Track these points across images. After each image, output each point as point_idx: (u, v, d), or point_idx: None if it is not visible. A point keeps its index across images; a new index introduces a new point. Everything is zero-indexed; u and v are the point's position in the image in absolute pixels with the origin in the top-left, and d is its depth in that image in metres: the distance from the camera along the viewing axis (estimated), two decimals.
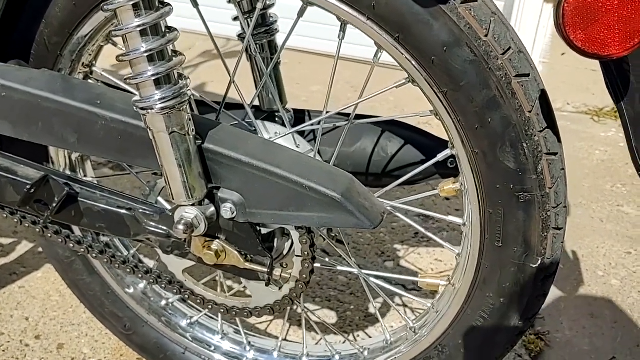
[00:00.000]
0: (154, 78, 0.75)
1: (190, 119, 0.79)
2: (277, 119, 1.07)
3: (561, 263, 1.75)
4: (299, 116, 1.14)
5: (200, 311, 1.19)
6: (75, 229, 1.09)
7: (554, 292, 1.63)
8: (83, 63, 0.99)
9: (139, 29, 0.73)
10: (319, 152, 1.14)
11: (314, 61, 2.85)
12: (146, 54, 0.74)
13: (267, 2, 1.01)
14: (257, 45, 1.04)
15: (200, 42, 3.12)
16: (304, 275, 0.91)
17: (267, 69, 1.00)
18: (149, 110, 0.76)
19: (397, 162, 1.14)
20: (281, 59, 1.06)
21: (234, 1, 0.93)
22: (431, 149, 1.09)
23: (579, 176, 2.22)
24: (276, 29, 1.04)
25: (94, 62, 1.00)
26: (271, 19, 1.03)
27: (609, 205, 2.05)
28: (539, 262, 0.85)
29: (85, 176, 1.11)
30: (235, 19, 0.98)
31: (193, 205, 0.84)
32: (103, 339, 1.37)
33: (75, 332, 1.39)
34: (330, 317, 1.48)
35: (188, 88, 0.78)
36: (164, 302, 1.19)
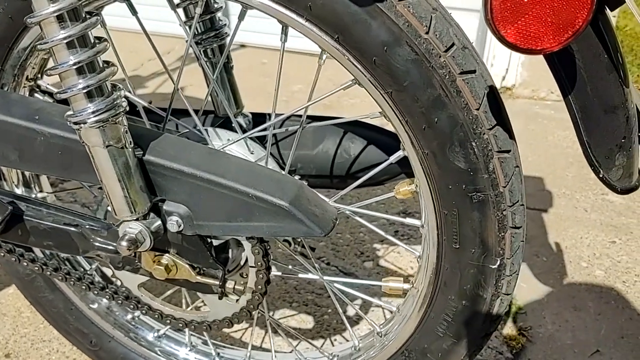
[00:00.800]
0: (85, 91, 0.72)
1: (127, 131, 0.76)
2: (233, 125, 1.04)
3: (544, 255, 1.74)
4: (258, 120, 1.11)
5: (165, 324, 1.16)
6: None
7: (536, 286, 1.60)
8: (27, 77, 0.96)
9: (65, 41, 0.70)
10: (281, 157, 1.12)
11: (295, 60, 2.82)
12: (75, 67, 0.71)
13: (215, 6, 0.98)
14: (208, 50, 1.01)
15: (179, 45, 3.09)
16: (260, 287, 0.88)
17: (213, 75, 0.97)
18: (83, 125, 0.74)
19: (360, 163, 1.12)
20: (232, 63, 1.03)
21: (178, 6, 0.90)
22: (395, 148, 1.06)
23: (562, 165, 2.20)
24: (226, 33, 1.01)
25: (39, 76, 0.97)
26: (220, 23, 1.00)
27: (593, 194, 2.03)
28: (498, 262, 0.82)
29: (41, 191, 1.09)
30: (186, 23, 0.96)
31: (137, 219, 0.81)
32: (74, 354, 1.34)
33: (46, 348, 1.37)
34: (307, 321, 1.46)
35: (122, 99, 0.75)
36: (129, 316, 1.17)
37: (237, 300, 0.91)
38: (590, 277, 1.64)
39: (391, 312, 1.00)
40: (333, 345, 1.35)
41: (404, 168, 1.10)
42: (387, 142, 1.11)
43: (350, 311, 1.46)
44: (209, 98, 1.00)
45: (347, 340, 1.37)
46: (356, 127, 1.13)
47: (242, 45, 3.30)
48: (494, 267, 0.82)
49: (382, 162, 1.04)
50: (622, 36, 3.35)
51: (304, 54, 2.48)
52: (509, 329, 1.46)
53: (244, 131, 0.96)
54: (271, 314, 1.45)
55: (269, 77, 2.83)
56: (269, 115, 1.14)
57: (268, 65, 3.01)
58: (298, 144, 1.10)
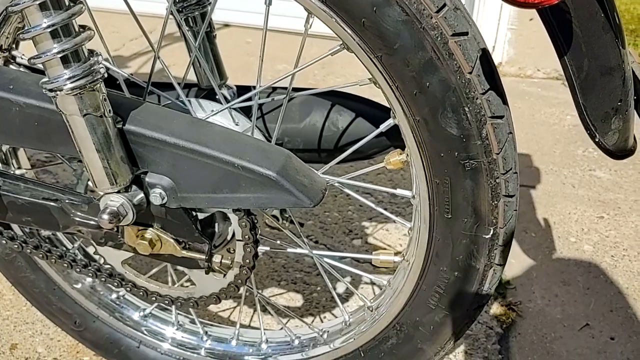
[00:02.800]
0: (60, 56, 0.69)
1: (105, 99, 0.73)
2: (217, 97, 1.01)
3: (532, 231, 1.73)
4: (242, 92, 1.08)
5: (151, 303, 1.13)
6: (12, 224, 1.03)
7: (525, 261, 1.60)
8: (1, 47, 0.92)
9: (37, 2, 0.66)
10: (267, 130, 1.09)
11: (279, 39, 2.78)
12: (49, 30, 0.67)
13: None
14: (190, 19, 0.97)
15: (161, 25, 3.03)
16: (247, 260, 0.86)
17: (195, 43, 0.93)
18: (58, 92, 0.70)
19: (349, 136, 1.09)
20: (215, 32, 1.00)
21: None
22: (384, 120, 1.04)
23: (550, 142, 2.19)
24: (208, 1, 0.97)
25: (14, 46, 0.93)
26: None
27: (580, 170, 2.02)
28: (491, 232, 0.81)
29: (19, 167, 1.05)
30: None
31: (118, 192, 0.78)
32: (58, 336, 1.31)
33: (29, 330, 1.34)
34: (296, 299, 1.44)
35: (100, 65, 0.72)
36: (114, 296, 1.14)
37: (224, 275, 0.88)
38: (578, 252, 1.64)
39: (380, 287, 0.98)
40: (322, 322, 1.34)
41: (392, 141, 1.07)
42: (375, 114, 1.08)
43: (340, 287, 1.45)
44: (192, 69, 0.96)
45: (337, 317, 1.36)
46: (344, 100, 1.10)
47: (226, 25, 3.24)
48: (487, 236, 0.81)
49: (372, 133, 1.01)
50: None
51: (289, 33, 2.44)
52: (498, 304, 1.45)
53: (228, 102, 0.93)
54: (260, 291, 1.43)
55: (254, 56, 2.79)
56: (254, 86, 1.11)
57: (252, 44, 2.96)
58: (285, 117, 1.08)
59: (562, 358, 1.32)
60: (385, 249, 1.57)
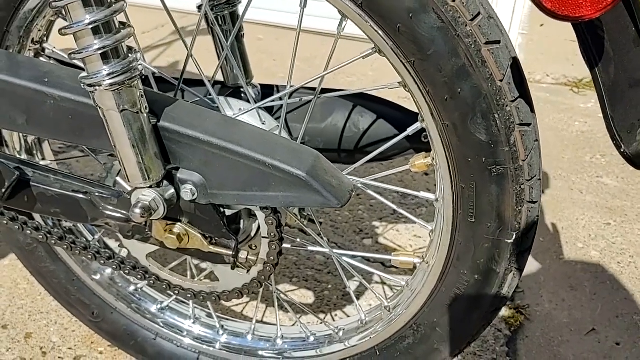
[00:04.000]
0: (100, 52, 0.70)
1: (142, 96, 0.74)
2: (242, 95, 1.03)
3: (541, 236, 1.75)
4: (267, 92, 1.09)
5: (171, 296, 1.15)
6: (35, 214, 1.04)
7: (533, 265, 1.62)
8: (33, 39, 0.93)
9: None
10: (289, 130, 1.10)
11: (291, 37, 2.79)
12: (91, 26, 0.69)
13: None
14: (219, 17, 0.99)
15: (174, 19, 3.04)
16: (272, 258, 0.87)
17: (227, 42, 0.95)
18: (97, 87, 0.71)
19: (369, 138, 1.10)
20: (244, 31, 1.01)
21: None
22: (405, 122, 1.05)
23: (558, 148, 2.21)
24: (238, 0, 0.99)
25: (45, 39, 0.95)
26: None
27: (588, 176, 2.04)
28: (514, 237, 0.82)
29: (43, 159, 1.06)
30: None
31: (150, 187, 0.79)
32: (73, 326, 1.33)
33: (44, 320, 1.35)
34: (307, 297, 1.46)
35: (139, 62, 0.73)
36: (132, 288, 1.15)
37: (247, 271, 0.89)
38: (586, 258, 1.66)
39: (392, 288, 0.99)
40: (334, 320, 1.35)
41: (413, 143, 1.09)
42: (397, 116, 1.09)
43: (353, 286, 1.46)
44: (219, 68, 0.98)
45: (348, 316, 1.37)
46: (366, 101, 1.11)
47: None
48: (509, 241, 0.82)
49: (392, 137, 1.03)
50: None
51: (304, 31, 2.44)
52: (507, 307, 1.47)
53: (255, 102, 0.94)
54: (270, 289, 1.45)
55: (265, 53, 2.80)
56: (277, 87, 1.12)
57: (264, 41, 2.97)
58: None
59: None
60: (404, 249, 1.59)
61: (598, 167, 2.10)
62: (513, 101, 0.74)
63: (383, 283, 1.48)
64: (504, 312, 1.45)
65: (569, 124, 2.38)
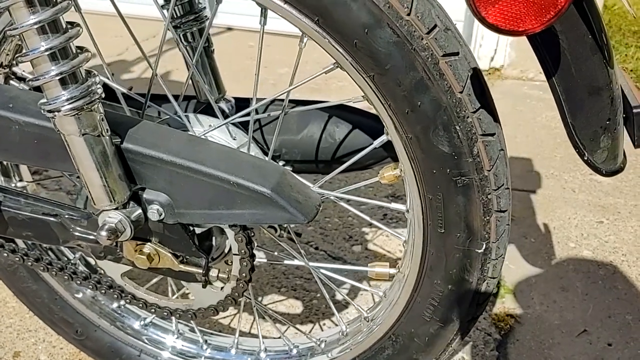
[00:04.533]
0: (58, 78, 0.70)
1: (103, 119, 0.75)
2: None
3: (532, 237, 1.74)
4: (241, 105, 1.09)
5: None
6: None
7: (524, 267, 1.61)
8: (1, 64, 0.93)
9: (35, 26, 0.68)
10: (265, 142, 1.10)
11: (282, 43, 2.79)
12: (47, 53, 0.69)
13: None
14: (188, 34, 0.99)
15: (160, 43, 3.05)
16: (244, 274, 0.87)
17: (192, 60, 0.95)
18: (57, 112, 0.72)
19: (345, 148, 1.10)
20: (213, 47, 1.01)
21: None
22: (380, 132, 1.05)
23: (550, 146, 2.20)
24: (205, 16, 0.99)
25: (14, 63, 0.95)
26: (199, 6, 0.98)
27: (581, 174, 2.03)
28: (484, 246, 0.82)
29: (20, 180, 1.07)
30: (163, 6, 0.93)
31: (117, 209, 0.79)
32: (61, 344, 1.33)
33: (32, 338, 1.36)
34: (295, 306, 1.46)
35: (97, 86, 0.73)
36: (115, 305, 1.16)
37: (221, 288, 0.90)
38: (578, 258, 1.65)
39: (373, 299, 0.99)
40: (322, 330, 1.35)
41: (390, 152, 1.08)
42: (372, 125, 1.09)
43: (338, 296, 1.46)
44: (190, 82, 0.98)
45: (336, 325, 1.37)
46: (341, 111, 1.11)
47: (229, 28, 3.25)
48: (479, 251, 0.82)
49: (368, 146, 1.03)
50: (610, 15, 3.34)
51: (291, 36, 2.44)
52: (497, 310, 1.46)
53: (226, 117, 0.94)
54: (260, 299, 1.45)
55: (255, 59, 2.80)
56: (250, 100, 1.12)
57: (255, 48, 2.97)
58: (282, 129, 1.09)
59: None
60: (381, 260, 1.58)
61: None
62: (474, 112, 0.74)
63: (369, 293, 1.48)
64: (495, 314, 1.45)
65: (562, 123, 2.37)
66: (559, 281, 1.57)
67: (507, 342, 1.39)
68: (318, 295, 1.49)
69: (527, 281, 1.57)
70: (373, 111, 0.82)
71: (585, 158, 0.72)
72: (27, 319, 1.40)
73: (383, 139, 0.84)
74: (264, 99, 0.91)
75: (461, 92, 0.73)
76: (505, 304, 1.49)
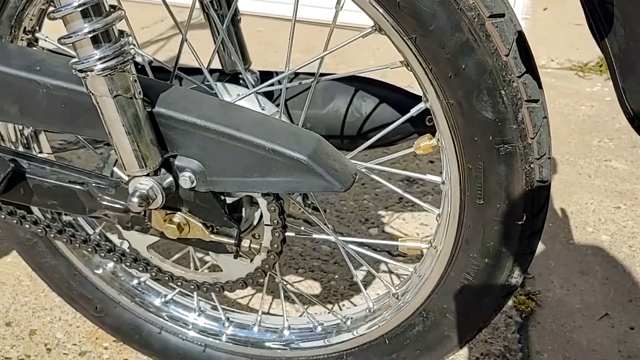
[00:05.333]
0: (90, 35, 0.67)
1: (136, 81, 0.72)
2: (240, 82, 1.00)
3: (549, 221, 1.72)
4: (265, 78, 1.06)
5: (174, 288, 1.13)
6: (33, 208, 1.02)
7: (543, 251, 1.59)
8: (24, 29, 0.91)
9: None
10: (289, 116, 1.08)
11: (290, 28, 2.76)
12: (80, 9, 0.66)
13: None
14: (214, 2, 0.96)
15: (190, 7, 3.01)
16: (275, 245, 0.85)
17: (223, 26, 0.92)
18: (89, 73, 0.69)
19: (372, 122, 1.08)
20: (240, 15, 0.99)
21: None
22: (408, 106, 1.03)
23: (565, 132, 2.17)
24: None
25: (38, 28, 0.92)
26: None
27: (596, 160, 2.01)
28: (524, 218, 0.79)
29: (40, 152, 1.04)
30: None
31: (148, 175, 0.77)
32: (77, 322, 1.31)
33: (48, 317, 1.33)
34: (314, 287, 1.44)
35: (130, 46, 0.71)
36: (135, 281, 1.14)
37: (251, 260, 0.87)
38: (596, 242, 1.63)
39: (399, 276, 0.97)
40: (341, 310, 1.33)
41: (416, 127, 1.06)
42: (400, 99, 1.07)
43: (359, 274, 1.44)
44: (216, 54, 0.95)
45: (356, 306, 1.35)
46: (368, 85, 1.09)
47: None
48: (520, 222, 0.80)
49: (395, 121, 1.00)
50: None
51: (303, 22, 2.42)
52: (517, 293, 1.44)
53: (253, 87, 0.92)
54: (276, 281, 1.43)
55: (265, 44, 2.77)
56: (276, 73, 1.10)
57: (264, 33, 2.94)
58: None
59: (582, 347, 1.31)
60: (410, 236, 1.56)
61: (606, 150, 2.06)
62: (520, 76, 0.72)
63: (390, 272, 1.46)
64: (515, 298, 1.43)
65: (575, 109, 2.35)
66: (578, 265, 1.55)
67: (528, 325, 1.37)
68: (336, 276, 1.47)
69: (546, 265, 1.55)
70: (412, 78, 0.79)
71: (636, 124, 0.69)
72: (42, 298, 1.38)
73: (420, 106, 0.82)
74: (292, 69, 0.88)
75: (507, 55, 0.70)
76: (526, 287, 1.47)
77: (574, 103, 2.38)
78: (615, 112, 2.29)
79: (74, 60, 0.70)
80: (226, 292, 0.92)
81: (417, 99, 1.00)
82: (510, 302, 1.42)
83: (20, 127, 1.01)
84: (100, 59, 0.68)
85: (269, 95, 1.03)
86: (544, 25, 2.76)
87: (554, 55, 2.72)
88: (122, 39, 0.70)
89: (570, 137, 2.16)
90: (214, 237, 0.82)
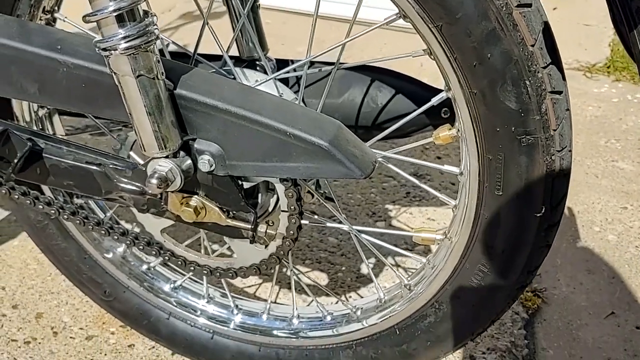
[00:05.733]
0: (115, 14, 0.67)
1: (158, 61, 0.72)
2: (258, 68, 1.00)
3: None
4: (282, 66, 1.06)
5: (184, 275, 1.13)
6: (46, 190, 1.02)
7: (550, 249, 1.59)
8: (44, 8, 0.90)
9: None
10: (304, 104, 1.07)
11: (299, 21, 2.76)
12: None
13: None
14: None
15: (181, 3, 3.01)
16: (291, 232, 0.85)
17: (244, 10, 0.92)
18: (113, 51, 0.69)
19: (388, 113, 1.08)
20: (260, 1, 0.98)
21: None
22: (424, 98, 1.02)
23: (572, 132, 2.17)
24: None
25: (56, 8, 0.92)
26: None
27: (603, 161, 2.01)
28: (543, 210, 0.79)
29: (54, 133, 1.04)
30: None
31: (167, 157, 0.77)
32: (84, 307, 1.31)
33: (55, 300, 1.33)
34: (321, 278, 1.43)
35: (155, 26, 0.70)
36: (145, 267, 1.13)
37: (265, 246, 0.87)
38: (603, 242, 1.63)
39: (405, 268, 0.97)
40: (348, 302, 1.33)
41: (432, 119, 1.06)
42: (417, 91, 1.07)
43: (370, 265, 1.44)
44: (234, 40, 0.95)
45: (362, 297, 1.35)
46: (384, 76, 1.08)
47: None
48: (538, 214, 0.79)
49: (411, 112, 1.00)
50: None
51: (305, 14, 2.41)
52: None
53: (272, 73, 0.91)
54: (284, 270, 1.42)
55: (273, 37, 2.75)
56: (292, 61, 1.09)
57: (272, 25, 2.93)
58: (324, 93, 1.06)
59: (588, 345, 1.31)
60: (425, 227, 1.56)
61: (613, 151, 2.06)
62: (545, 67, 0.71)
63: (397, 265, 1.46)
64: (521, 295, 1.43)
65: (583, 109, 2.34)
66: (584, 264, 1.55)
67: (534, 321, 1.37)
68: (343, 268, 1.47)
69: (553, 263, 1.55)
70: (434, 66, 0.79)
71: None
72: (49, 281, 1.38)
73: (442, 96, 0.82)
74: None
75: (533, 45, 0.70)
76: (532, 284, 1.47)
77: (581, 103, 2.38)
78: (622, 113, 2.29)
79: (97, 38, 0.70)
80: (238, 279, 0.91)
81: (433, 91, 1.00)
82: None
83: (35, 108, 1.00)
84: (124, 37, 0.68)
85: (284, 83, 1.02)
86: (552, 24, 2.74)
87: (562, 55, 2.69)
88: (146, 19, 0.70)
89: (577, 137, 2.16)
90: (230, 222, 0.82)
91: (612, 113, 2.30)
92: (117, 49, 0.69)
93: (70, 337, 1.24)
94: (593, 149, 2.08)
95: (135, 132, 0.75)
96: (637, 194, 1.84)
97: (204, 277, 1.10)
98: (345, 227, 0.97)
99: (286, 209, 0.83)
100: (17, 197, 0.92)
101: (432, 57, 0.77)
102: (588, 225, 1.69)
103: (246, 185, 0.84)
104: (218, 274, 0.92)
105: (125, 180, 0.82)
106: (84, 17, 0.69)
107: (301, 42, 2.69)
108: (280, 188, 0.82)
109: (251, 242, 0.84)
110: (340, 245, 1.53)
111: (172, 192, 0.80)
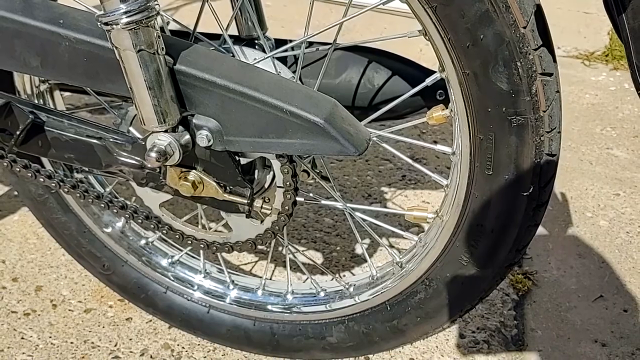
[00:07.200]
0: None
1: (159, 36, 0.73)
2: (256, 47, 1.01)
3: (550, 205, 1.74)
4: (280, 45, 1.07)
5: (181, 250, 1.15)
6: (46, 163, 1.04)
7: (542, 233, 1.61)
8: None
9: None
10: (301, 83, 1.09)
11: (299, 4, 2.76)
12: None
13: None
14: None
15: None
16: (286, 207, 0.87)
17: None
18: (114, 26, 0.70)
19: (384, 94, 1.09)
20: None
21: None
22: (420, 79, 1.04)
23: (568, 120, 2.19)
24: None
25: None
26: None
27: (598, 148, 2.03)
28: (531, 189, 0.81)
29: (55, 108, 1.05)
30: None
31: (166, 131, 0.78)
32: (83, 280, 1.33)
33: (54, 274, 1.36)
34: (316, 258, 1.46)
35: (155, 1, 0.72)
36: (143, 241, 1.15)
37: (261, 221, 0.89)
38: (594, 227, 1.65)
39: (399, 251, 0.99)
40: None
41: (427, 101, 1.08)
42: (413, 73, 1.08)
43: (364, 243, 1.47)
44: (234, 14, 0.96)
45: (357, 274, 1.38)
46: (381, 57, 1.10)
47: None
48: (525, 194, 0.81)
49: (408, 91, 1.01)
50: None
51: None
52: (515, 272, 1.47)
53: (270, 51, 0.93)
54: (280, 249, 1.45)
55: (274, 19, 2.76)
56: (290, 41, 1.11)
57: (272, 7, 2.94)
58: (320, 73, 1.07)
59: (576, 327, 1.34)
60: (418, 205, 1.58)
61: (608, 139, 2.08)
62: (536, 49, 0.73)
63: (390, 245, 1.48)
64: (512, 277, 1.46)
65: (580, 97, 2.36)
66: (575, 248, 1.58)
67: (524, 303, 1.40)
68: (338, 248, 1.49)
69: (545, 246, 1.58)
70: (429, 47, 0.80)
71: None
72: (49, 255, 1.40)
73: (436, 76, 0.83)
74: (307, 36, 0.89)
75: (525, 27, 0.72)
76: (523, 267, 1.49)
77: (578, 91, 2.40)
78: (619, 101, 2.30)
79: (99, 13, 0.71)
80: (234, 255, 0.94)
81: (429, 73, 1.02)
82: (507, 280, 1.45)
83: (37, 82, 1.02)
84: (126, 12, 0.70)
85: (283, 63, 1.04)
86: (551, 12, 2.75)
87: (561, 43, 2.72)
88: None
89: (573, 124, 2.18)
90: (227, 197, 0.84)
91: (608, 101, 2.31)
92: (118, 24, 0.70)
93: (69, 310, 1.27)
94: (588, 137, 2.10)
95: (135, 106, 0.77)
96: (630, 181, 1.86)
97: (201, 252, 1.12)
98: (339, 205, 0.99)
99: (282, 185, 0.85)
100: (18, 169, 0.94)
101: (427, 37, 0.78)
102: (580, 211, 1.72)
103: (243, 161, 0.86)
104: (215, 248, 0.94)
105: (125, 154, 0.84)
106: None
107: (301, 25, 2.69)
108: (276, 164, 0.84)
109: (247, 217, 0.86)
110: (336, 226, 1.56)
111: (171, 166, 0.82)
